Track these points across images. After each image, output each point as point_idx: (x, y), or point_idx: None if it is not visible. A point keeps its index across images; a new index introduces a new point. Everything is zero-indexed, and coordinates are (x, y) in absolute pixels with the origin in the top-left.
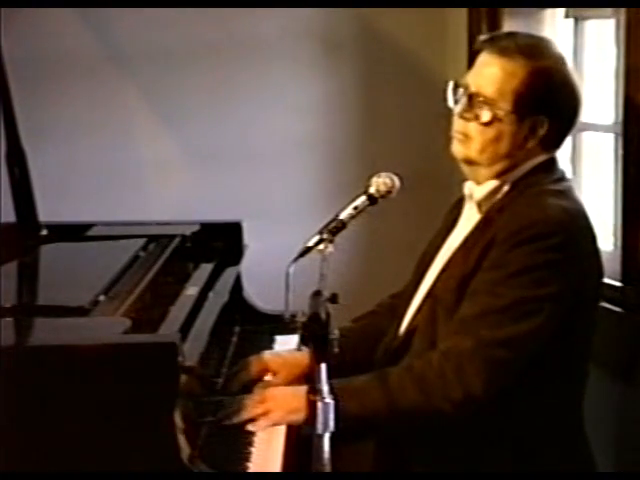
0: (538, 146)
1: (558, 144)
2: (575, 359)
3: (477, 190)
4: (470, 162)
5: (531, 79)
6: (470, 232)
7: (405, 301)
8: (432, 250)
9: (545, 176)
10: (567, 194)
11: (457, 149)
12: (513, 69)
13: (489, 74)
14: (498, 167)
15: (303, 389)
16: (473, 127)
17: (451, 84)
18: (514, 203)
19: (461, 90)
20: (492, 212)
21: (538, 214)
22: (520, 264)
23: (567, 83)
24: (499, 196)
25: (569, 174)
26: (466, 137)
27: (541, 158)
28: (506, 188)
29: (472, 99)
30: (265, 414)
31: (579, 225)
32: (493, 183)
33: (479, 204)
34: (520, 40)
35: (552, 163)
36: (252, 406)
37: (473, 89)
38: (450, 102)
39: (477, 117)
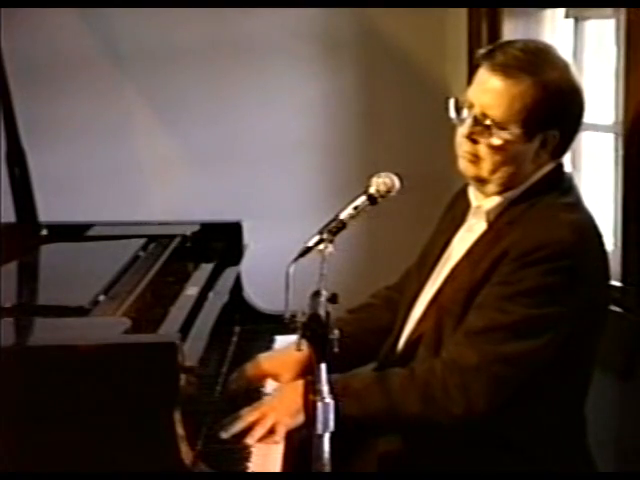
0: (549, 157)
1: (566, 150)
2: (580, 366)
3: (486, 202)
4: (481, 181)
5: (539, 97)
6: (476, 242)
7: (408, 301)
8: (435, 252)
9: (555, 186)
10: (577, 205)
11: (467, 169)
12: (519, 90)
13: (494, 96)
14: (509, 183)
15: (296, 386)
16: (483, 149)
17: (452, 101)
18: (525, 218)
19: (465, 109)
20: (501, 224)
21: (549, 235)
22: (530, 283)
23: (574, 91)
24: (507, 205)
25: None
26: (476, 158)
27: (549, 166)
28: (514, 198)
29: (478, 121)
30: (272, 429)
31: (590, 242)
32: (502, 197)
33: (487, 214)
34: (520, 53)
35: (560, 170)
36: (256, 425)
37: (478, 110)
38: (453, 118)
39: (486, 139)
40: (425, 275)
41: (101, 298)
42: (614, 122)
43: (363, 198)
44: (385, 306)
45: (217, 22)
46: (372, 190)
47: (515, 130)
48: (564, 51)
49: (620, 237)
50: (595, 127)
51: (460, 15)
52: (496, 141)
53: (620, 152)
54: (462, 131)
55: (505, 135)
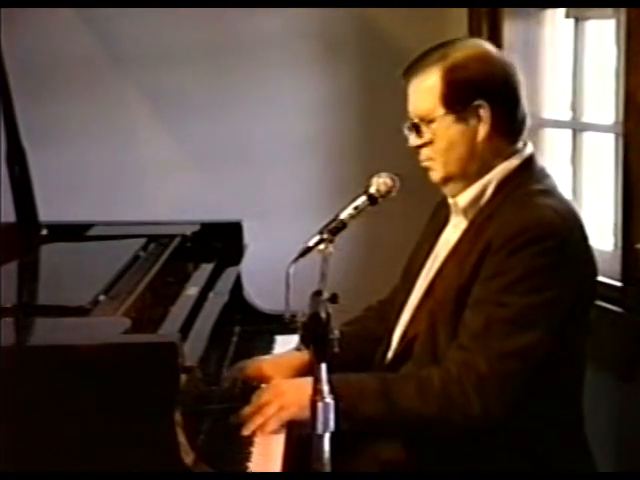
0: (497, 135)
1: (515, 128)
2: (573, 358)
3: (460, 198)
4: (447, 179)
5: (448, 76)
6: (459, 239)
7: (396, 309)
8: (420, 258)
9: (527, 176)
10: (552, 192)
11: (432, 176)
12: (430, 78)
13: (416, 96)
14: (470, 171)
15: (308, 382)
16: (429, 149)
17: (405, 127)
18: (503, 208)
19: (407, 125)
20: (481, 219)
21: (529, 218)
22: (519, 270)
23: (486, 61)
24: (484, 201)
25: (569, 174)
26: (431, 161)
27: (518, 157)
28: (489, 192)
29: (415, 126)
30: (275, 414)
31: (570, 224)
32: (474, 189)
33: (465, 211)
34: (429, 54)
35: (530, 162)
36: (260, 406)
37: (412, 117)
38: (410, 142)
39: (427, 139)
40: (412, 281)
41: (101, 298)
42: (614, 122)
43: (363, 198)
44: (379, 318)
45: (217, 22)
46: (372, 190)
47: (440, 114)
48: (564, 51)
49: (620, 237)
50: (595, 127)
51: (460, 15)
52: (431, 133)
53: (620, 152)
54: (411, 144)
55: (435, 124)
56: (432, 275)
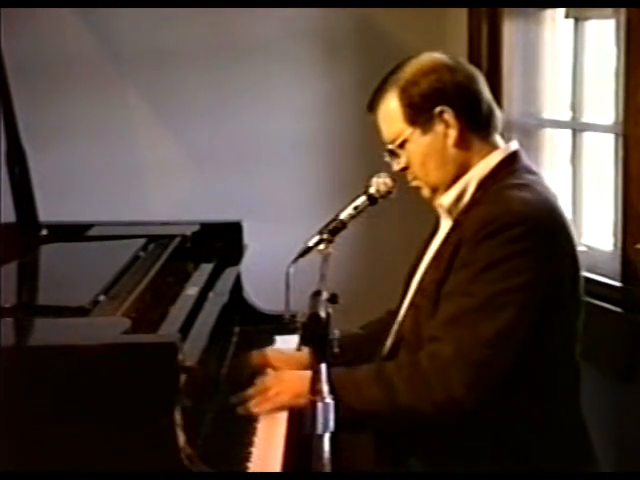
0: (469, 134)
1: (483, 122)
2: (563, 352)
3: (444, 199)
4: (434, 190)
5: (403, 95)
6: (444, 238)
7: (394, 316)
8: (416, 265)
9: (508, 171)
10: (530, 186)
11: (422, 194)
12: (390, 104)
13: (384, 125)
14: (451, 175)
15: (309, 374)
16: (411, 170)
17: (385, 157)
18: (478, 203)
19: (386, 154)
20: (460, 215)
21: (499, 208)
22: (487, 259)
23: (434, 70)
24: (466, 199)
25: (569, 174)
26: (417, 179)
27: (497, 156)
28: (471, 190)
29: (393, 152)
30: (272, 397)
31: (542, 213)
32: (456, 188)
33: (449, 211)
34: (385, 82)
35: (513, 158)
36: (260, 389)
37: (387, 144)
38: (394, 168)
39: (404, 160)
40: (407, 286)
41: (101, 298)
42: (614, 122)
43: (363, 198)
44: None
45: (217, 23)
46: (372, 190)
47: (408, 133)
48: (564, 51)
49: (620, 237)
50: (595, 127)
51: (460, 15)
52: (406, 154)
53: (620, 152)
54: (395, 170)
55: (407, 143)
56: (421, 275)
